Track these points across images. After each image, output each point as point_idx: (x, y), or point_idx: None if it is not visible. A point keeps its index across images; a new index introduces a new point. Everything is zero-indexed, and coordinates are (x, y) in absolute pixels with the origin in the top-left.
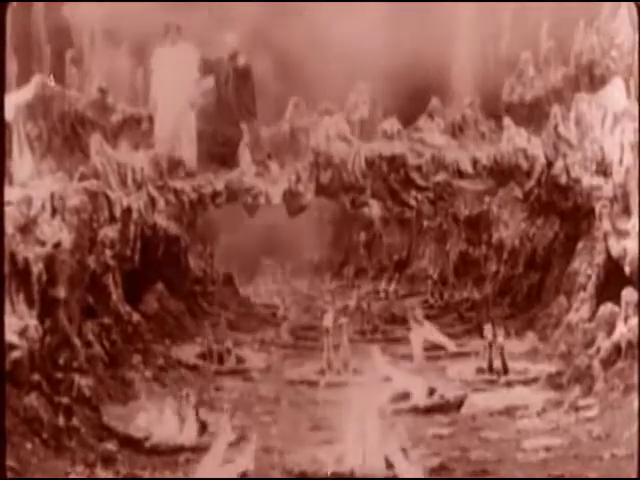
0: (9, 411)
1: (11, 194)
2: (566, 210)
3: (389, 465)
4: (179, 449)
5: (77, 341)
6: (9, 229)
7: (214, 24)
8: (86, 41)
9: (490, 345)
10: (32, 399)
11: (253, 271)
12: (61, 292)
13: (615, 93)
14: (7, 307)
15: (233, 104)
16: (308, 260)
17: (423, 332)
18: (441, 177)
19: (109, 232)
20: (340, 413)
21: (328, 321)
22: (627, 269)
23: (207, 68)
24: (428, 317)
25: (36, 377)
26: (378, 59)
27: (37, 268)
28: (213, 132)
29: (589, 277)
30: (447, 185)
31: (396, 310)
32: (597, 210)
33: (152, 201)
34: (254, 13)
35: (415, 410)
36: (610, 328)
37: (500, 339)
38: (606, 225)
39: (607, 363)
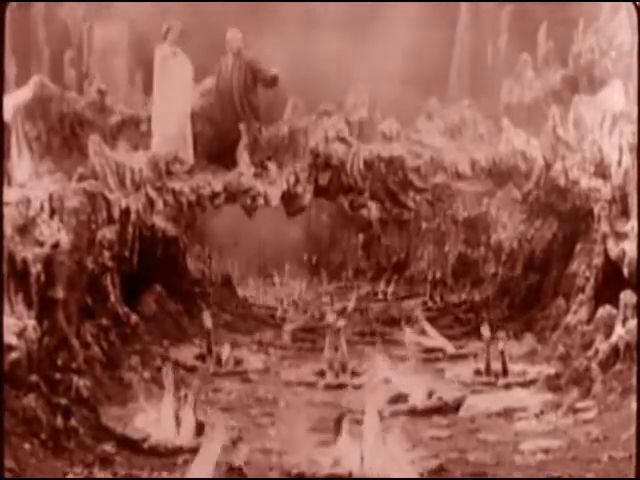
0: (7, 412)
1: (10, 195)
2: (564, 212)
3: (387, 467)
4: (177, 450)
5: (75, 342)
6: (7, 230)
7: (216, 23)
8: (85, 42)
9: (488, 347)
10: (30, 400)
11: (251, 272)
12: (59, 293)
13: (614, 95)
14: (6, 308)
15: (236, 103)
16: (306, 261)
17: (420, 337)
18: (439, 179)
19: (107, 233)
20: (338, 415)
21: (326, 322)
22: (625, 271)
23: (209, 67)
24: (427, 319)
25: (34, 378)
26: (377, 60)
27: (35, 269)
28: (212, 133)
29: (587, 279)
30: (445, 187)
31: (395, 312)
32: (595, 212)
33: (150, 202)
34: (255, 12)
35: (413, 412)
36: (608, 330)
37: (498, 341)
38: (604, 227)
39: (605, 365)
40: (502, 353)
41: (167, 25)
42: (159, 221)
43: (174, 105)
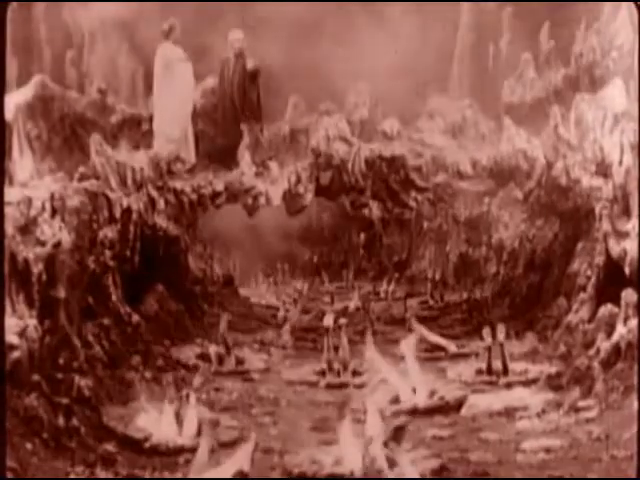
0: (9, 411)
1: (11, 194)
2: (566, 211)
3: (389, 466)
4: (179, 450)
5: (77, 341)
6: (9, 229)
7: (217, 23)
8: (86, 42)
9: (489, 346)
10: (32, 399)
11: (253, 272)
12: (61, 292)
13: (615, 94)
14: (7, 307)
15: (237, 104)
16: (308, 261)
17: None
18: (441, 178)
19: (109, 233)
20: (340, 414)
21: (328, 322)
22: (627, 270)
23: (210, 67)
24: (428, 318)
25: (36, 377)
26: (378, 59)
27: (37, 268)
28: (214, 132)
29: (589, 278)
30: (447, 186)
31: (396, 311)
32: (597, 211)
33: (152, 202)
34: (256, 11)
35: (415, 411)
36: (610, 329)
37: (500, 340)
38: (606, 226)
39: (607, 364)
40: (503, 352)
41: (169, 24)
42: (160, 220)
43: (176, 104)
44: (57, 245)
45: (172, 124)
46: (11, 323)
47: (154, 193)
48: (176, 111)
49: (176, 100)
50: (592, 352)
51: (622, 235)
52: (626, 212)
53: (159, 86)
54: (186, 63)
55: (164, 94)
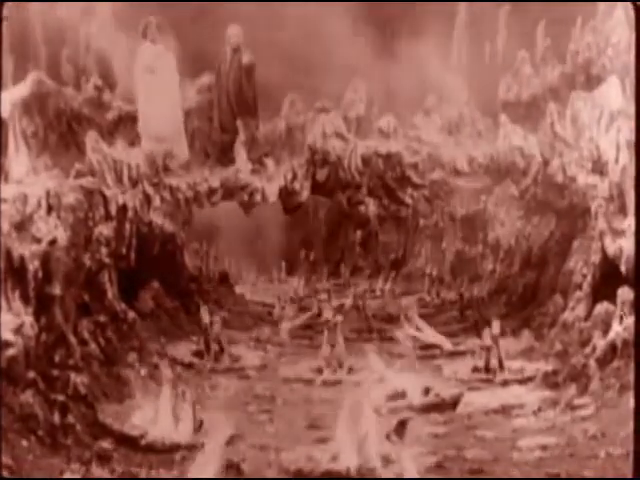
0: (5, 408)
1: (7, 191)
2: (562, 209)
3: (384, 464)
4: (174, 447)
5: (73, 339)
6: (5, 226)
7: (216, 19)
8: (82, 39)
9: (487, 344)
10: (28, 396)
11: (249, 269)
12: (57, 289)
13: (611, 92)
14: (3, 304)
15: (233, 100)
16: (304, 258)
17: (417, 333)
18: (437, 175)
19: (105, 230)
20: (335, 411)
21: (324, 319)
22: (623, 268)
23: (206, 63)
24: (424, 316)
25: (32, 374)
26: (374, 57)
27: (33, 265)
28: (209, 129)
29: (585, 276)
30: (443, 183)
31: (392, 309)
32: (593, 209)
33: (147, 199)
34: (253, 9)
35: (411, 409)
36: (606, 327)
37: (495, 336)
38: (602, 224)
39: (603, 362)
40: (498, 349)
41: (144, 23)
42: (156, 217)
43: (163, 102)
44: (53, 242)
45: (162, 122)
46: (7, 320)
47: (150, 190)
48: (165, 109)
49: (163, 98)
50: (588, 350)
51: (618, 233)
52: (622, 210)
53: (143, 87)
54: (168, 59)
55: (149, 94)
